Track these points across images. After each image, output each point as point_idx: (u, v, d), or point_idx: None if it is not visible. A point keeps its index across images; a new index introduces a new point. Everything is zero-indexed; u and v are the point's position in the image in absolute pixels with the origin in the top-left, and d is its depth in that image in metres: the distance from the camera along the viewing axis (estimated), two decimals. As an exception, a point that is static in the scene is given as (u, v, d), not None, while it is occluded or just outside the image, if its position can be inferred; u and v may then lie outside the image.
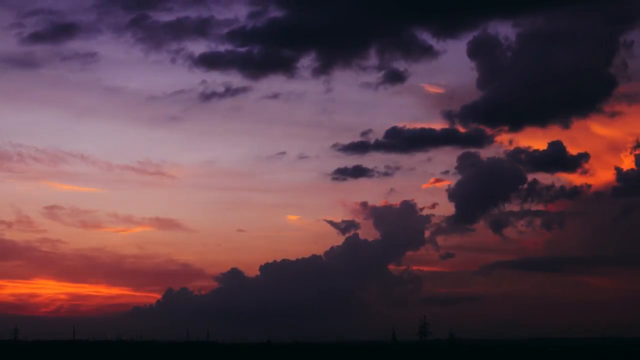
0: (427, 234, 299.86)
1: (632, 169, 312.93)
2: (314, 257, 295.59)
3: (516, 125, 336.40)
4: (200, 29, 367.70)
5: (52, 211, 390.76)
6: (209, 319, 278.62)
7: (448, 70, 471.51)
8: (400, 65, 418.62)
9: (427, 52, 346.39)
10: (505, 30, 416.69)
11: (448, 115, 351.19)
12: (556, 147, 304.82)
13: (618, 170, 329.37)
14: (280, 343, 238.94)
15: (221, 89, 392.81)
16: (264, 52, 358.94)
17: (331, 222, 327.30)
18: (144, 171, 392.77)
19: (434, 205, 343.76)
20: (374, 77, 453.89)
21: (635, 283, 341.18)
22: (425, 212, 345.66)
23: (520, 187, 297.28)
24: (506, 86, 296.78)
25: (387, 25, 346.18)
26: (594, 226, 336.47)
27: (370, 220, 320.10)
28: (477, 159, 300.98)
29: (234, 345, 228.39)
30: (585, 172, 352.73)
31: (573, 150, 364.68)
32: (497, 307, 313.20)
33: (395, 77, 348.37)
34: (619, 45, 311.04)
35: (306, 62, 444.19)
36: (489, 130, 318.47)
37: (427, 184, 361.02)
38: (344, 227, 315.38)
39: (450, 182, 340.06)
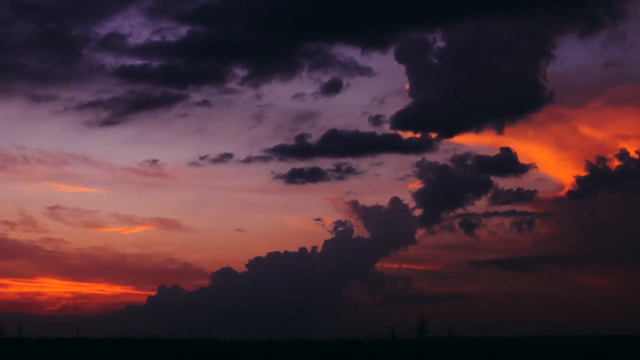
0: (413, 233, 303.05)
1: (584, 174, 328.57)
2: (303, 254, 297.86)
3: (450, 130, 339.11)
4: (113, 43, 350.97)
5: (54, 212, 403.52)
6: (200, 316, 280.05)
7: (379, 79, 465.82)
8: (329, 76, 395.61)
9: (356, 62, 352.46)
10: (433, 38, 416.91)
11: (377, 121, 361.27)
12: (505, 153, 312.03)
13: (572, 175, 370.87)
14: (280, 340, 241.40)
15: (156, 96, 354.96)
16: (188, 64, 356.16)
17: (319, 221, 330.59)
18: (145, 172, 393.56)
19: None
20: (306, 88, 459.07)
21: (623, 281, 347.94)
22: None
23: (487, 190, 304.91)
24: (437, 92, 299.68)
25: (313, 37, 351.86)
26: (565, 226, 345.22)
27: (360, 220, 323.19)
28: (434, 164, 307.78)
29: (236, 342, 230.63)
30: (534, 177, 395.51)
31: (520, 155, 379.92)
32: (485, 305, 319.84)
33: (329, 88, 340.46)
34: (550, 55, 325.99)
35: (235, 74, 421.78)
36: (432, 135, 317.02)
37: (415, 184, 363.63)
38: (333, 227, 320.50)
39: (417, 184, 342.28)
